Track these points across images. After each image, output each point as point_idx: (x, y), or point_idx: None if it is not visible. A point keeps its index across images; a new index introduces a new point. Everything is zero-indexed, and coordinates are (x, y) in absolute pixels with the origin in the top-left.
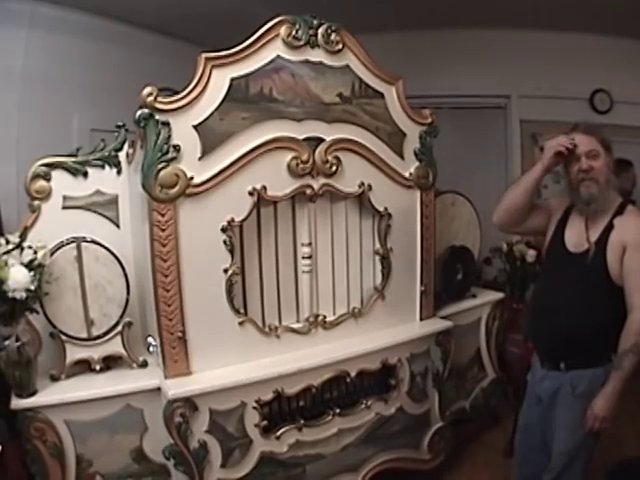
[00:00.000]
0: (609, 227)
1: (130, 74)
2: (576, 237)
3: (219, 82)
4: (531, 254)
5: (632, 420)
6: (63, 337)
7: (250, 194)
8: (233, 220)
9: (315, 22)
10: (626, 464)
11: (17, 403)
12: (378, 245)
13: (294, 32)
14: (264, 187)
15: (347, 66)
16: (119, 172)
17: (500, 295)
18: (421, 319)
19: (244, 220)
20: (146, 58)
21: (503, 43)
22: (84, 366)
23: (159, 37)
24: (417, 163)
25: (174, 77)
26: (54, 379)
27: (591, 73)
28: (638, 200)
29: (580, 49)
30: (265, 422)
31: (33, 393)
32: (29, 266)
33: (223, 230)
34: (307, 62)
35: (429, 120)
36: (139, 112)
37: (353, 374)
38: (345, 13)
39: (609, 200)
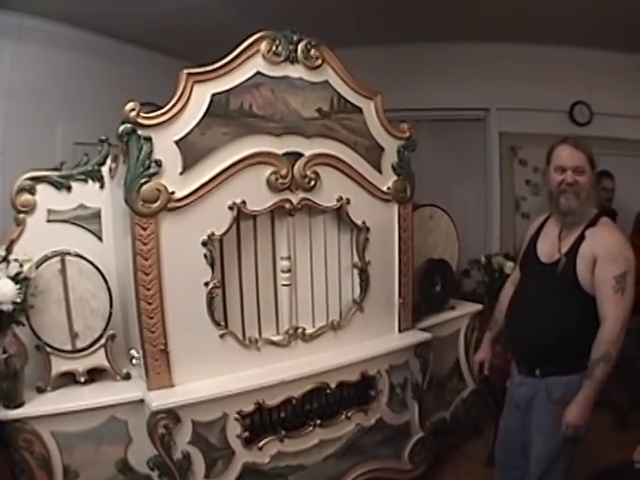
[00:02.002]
0: (580, 238)
1: (114, 88)
2: (549, 248)
3: (200, 98)
4: (509, 266)
5: (615, 429)
6: (48, 349)
7: (230, 208)
8: (213, 234)
9: (295, 37)
10: (607, 471)
11: (5, 414)
12: (356, 258)
13: (274, 48)
14: (244, 201)
15: (326, 81)
16: (102, 186)
17: (479, 307)
18: (400, 331)
19: (224, 234)
20: (131, 72)
21: (482, 56)
22: (69, 378)
23: (144, 51)
24: (395, 177)
25: (159, 91)
26: (40, 391)
27: (571, 85)
28: (621, 210)
29: (559, 61)
30: (247, 433)
31: (20, 404)
32: (15, 279)
33: (204, 244)
34: (287, 78)
35: (407, 134)
36: (122, 127)
37: (333, 386)
38: (324, 27)
39: (586, 212)
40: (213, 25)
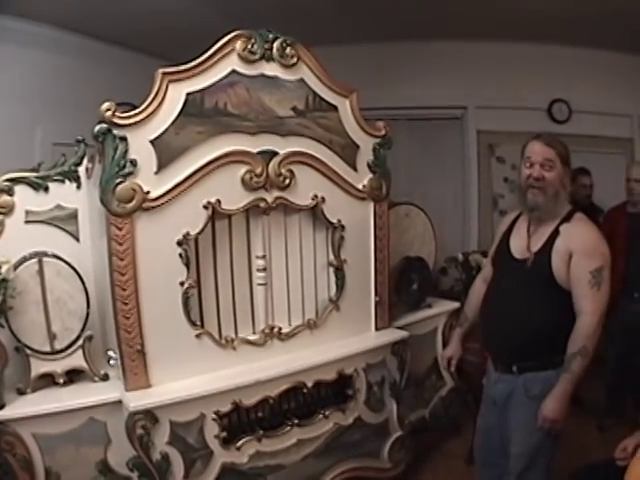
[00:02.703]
0: (555, 234)
1: (95, 88)
2: (522, 244)
3: (175, 97)
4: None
5: (597, 430)
6: (28, 351)
7: (205, 208)
8: (188, 234)
9: (270, 36)
10: (589, 468)
11: None
12: (332, 257)
13: (250, 46)
14: (218, 201)
15: (301, 80)
16: (79, 186)
17: (456, 305)
18: (376, 329)
19: (199, 233)
20: (111, 73)
21: (460, 54)
22: (48, 380)
23: (125, 52)
24: (370, 175)
25: (139, 92)
26: (20, 393)
27: (549, 83)
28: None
29: (538, 59)
30: (225, 433)
31: (1, 407)
32: None
33: (179, 244)
34: (262, 76)
35: (382, 132)
36: (97, 127)
37: (310, 385)
38: (302, 26)
39: (556, 208)
40: (194, 26)
